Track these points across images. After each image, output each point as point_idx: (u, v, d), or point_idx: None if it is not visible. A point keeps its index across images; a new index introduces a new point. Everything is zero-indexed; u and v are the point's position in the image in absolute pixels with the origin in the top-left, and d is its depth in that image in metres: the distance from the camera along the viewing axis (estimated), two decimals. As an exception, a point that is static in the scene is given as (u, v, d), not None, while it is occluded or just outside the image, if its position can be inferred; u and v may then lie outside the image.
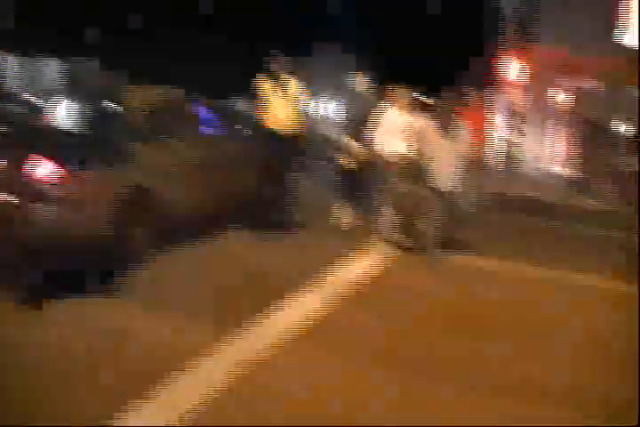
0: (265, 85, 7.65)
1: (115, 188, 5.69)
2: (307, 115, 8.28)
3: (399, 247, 7.87)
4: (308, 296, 5.72)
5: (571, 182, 15.40)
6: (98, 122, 6.39)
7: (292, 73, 7.76)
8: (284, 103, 7.64)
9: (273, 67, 7.71)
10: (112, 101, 6.64)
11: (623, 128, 19.03)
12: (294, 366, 4.23)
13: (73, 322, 4.61)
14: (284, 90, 7.66)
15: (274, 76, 7.69)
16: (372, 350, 4.64)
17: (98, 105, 6.74)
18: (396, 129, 8.04)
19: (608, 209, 13.98)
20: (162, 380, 3.76)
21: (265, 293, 5.64)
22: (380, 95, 9.76)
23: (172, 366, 3.95)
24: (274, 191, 7.53)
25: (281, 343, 4.57)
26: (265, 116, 7.66)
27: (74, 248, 5.19)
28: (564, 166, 15.97)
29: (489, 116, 12.70)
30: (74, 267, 5.06)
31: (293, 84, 7.76)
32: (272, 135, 7.59)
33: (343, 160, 8.61)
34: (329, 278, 6.34)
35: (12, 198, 5.05)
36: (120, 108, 6.62)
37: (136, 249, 5.99)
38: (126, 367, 3.95)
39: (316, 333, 4.89)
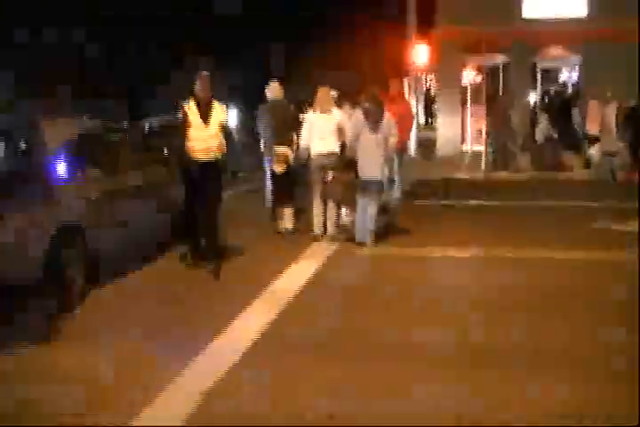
0: (188, 109, 7.01)
1: (42, 228, 5.56)
2: (229, 134, 7.64)
3: (339, 242, 8.10)
4: (258, 307, 5.79)
5: (491, 159, 15.75)
6: (19, 159, 6.16)
7: (214, 93, 7.09)
8: (205, 128, 6.98)
9: (197, 89, 7.04)
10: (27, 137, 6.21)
11: (533, 100, 19.64)
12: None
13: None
14: (207, 114, 6.99)
15: (197, 99, 7.02)
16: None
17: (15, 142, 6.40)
18: (320, 128, 8.21)
19: (526, 180, 14.44)
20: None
21: (216, 309, 5.70)
22: (297, 98, 9.90)
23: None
24: (202, 216, 7.12)
25: (243, 359, 4.62)
26: (187, 141, 7.02)
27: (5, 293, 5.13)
28: (482, 144, 16.28)
29: (409, 102, 12.90)
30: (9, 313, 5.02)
31: (217, 107, 7.07)
32: (193, 162, 7.02)
33: (276, 166, 8.71)
34: (277, 286, 6.43)
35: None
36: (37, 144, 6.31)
37: (73, 289, 5.91)
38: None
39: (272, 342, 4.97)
